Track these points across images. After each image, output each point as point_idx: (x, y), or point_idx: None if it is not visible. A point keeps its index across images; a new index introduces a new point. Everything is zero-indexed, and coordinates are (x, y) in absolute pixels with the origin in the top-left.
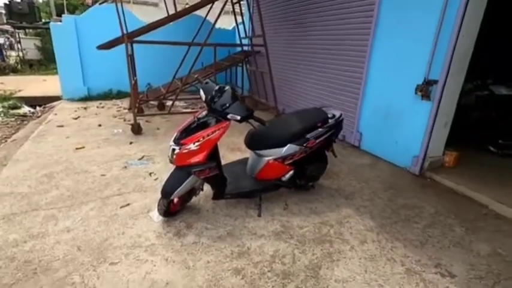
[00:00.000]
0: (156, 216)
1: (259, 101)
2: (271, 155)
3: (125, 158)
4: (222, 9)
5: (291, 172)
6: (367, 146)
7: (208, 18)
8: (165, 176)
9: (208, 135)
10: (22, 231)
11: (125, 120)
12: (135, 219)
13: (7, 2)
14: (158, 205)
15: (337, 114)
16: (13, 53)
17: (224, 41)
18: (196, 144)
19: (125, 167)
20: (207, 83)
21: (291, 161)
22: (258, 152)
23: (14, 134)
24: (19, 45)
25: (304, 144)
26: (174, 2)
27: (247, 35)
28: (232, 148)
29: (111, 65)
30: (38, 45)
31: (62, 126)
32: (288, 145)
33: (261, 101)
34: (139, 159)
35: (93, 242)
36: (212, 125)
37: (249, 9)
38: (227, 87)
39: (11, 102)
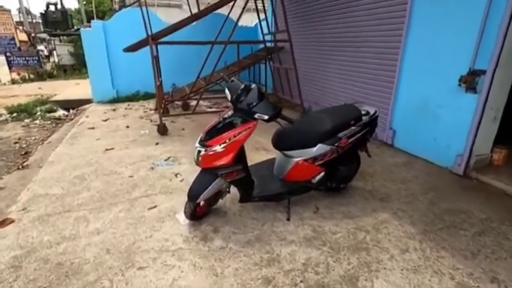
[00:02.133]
0: (182, 219)
1: (283, 98)
2: (300, 155)
3: (151, 159)
4: (245, 6)
5: (322, 174)
6: (401, 144)
7: (230, 16)
8: (190, 177)
9: (234, 137)
10: (55, 232)
11: (151, 121)
12: (162, 221)
13: (43, 12)
14: (185, 208)
15: (372, 110)
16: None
17: (246, 39)
18: (223, 146)
19: (152, 168)
20: (232, 81)
21: (321, 161)
22: (286, 152)
23: (49, 136)
24: (55, 52)
25: (336, 144)
26: (198, 1)
27: (270, 31)
28: (257, 148)
29: (138, 67)
30: (71, 51)
31: (92, 128)
32: (319, 145)
33: (286, 99)
34: (165, 160)
35: (121, 245)
36: (238, 125)
37: (272, 4)
38: (253, 86)
39: (47, 105)
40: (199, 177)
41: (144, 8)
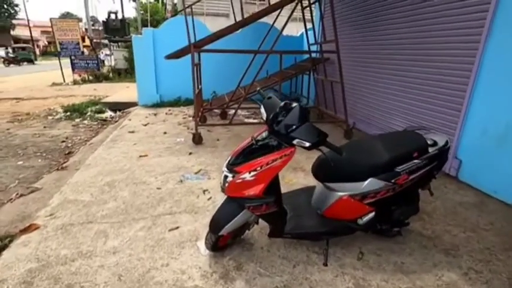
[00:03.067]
0: (203, 248)
1: (325, 112)
2: (345, 189)
3: (182, 171)
4: (291, 15)
5: (371, 214)
6: (469, 178)
7: (274, 25)
8: (218, 196)
9: (267, 164)
10: (73, 246)
11: (188, 128)
12: (181, 247)
13: (104, 20)
14: (206, 239)
15: (441, 141)
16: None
17: (290, 49)
18: (253, 173)
19: (181, 180)
20: (270, 98)
21: (372, 199)
22: (328, 184)
23: (93, 137)
24: (112, 56)
25: (393, 180)
26: (242, 10)
27: (317, 40)
28: (295, 167)
29: (181, 74)
30: (126, 56)
31: (132, 132)
32: (370, 179)
33: (328, 113)
34: (196, 173)
35: (135, 272)
36: (273, 150)
37: (321, 13)
38: (295, 105)
39: (98, 106)
40: (223, 206)
41: (189, 17)
